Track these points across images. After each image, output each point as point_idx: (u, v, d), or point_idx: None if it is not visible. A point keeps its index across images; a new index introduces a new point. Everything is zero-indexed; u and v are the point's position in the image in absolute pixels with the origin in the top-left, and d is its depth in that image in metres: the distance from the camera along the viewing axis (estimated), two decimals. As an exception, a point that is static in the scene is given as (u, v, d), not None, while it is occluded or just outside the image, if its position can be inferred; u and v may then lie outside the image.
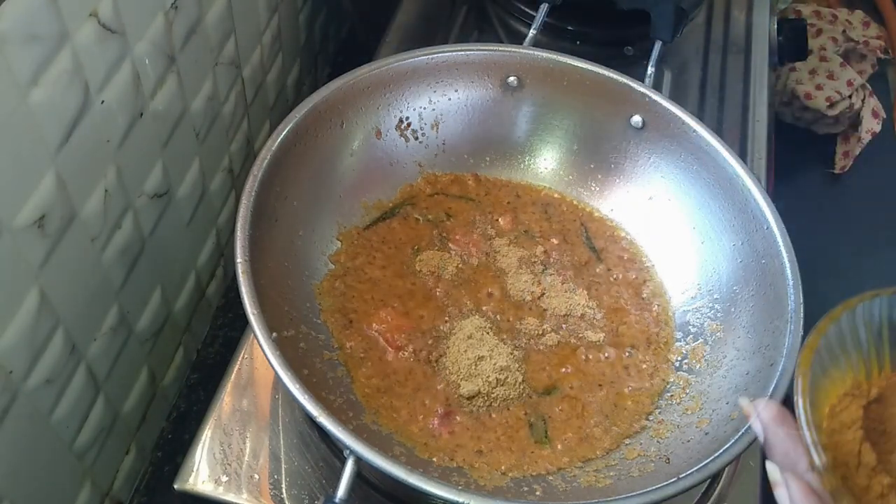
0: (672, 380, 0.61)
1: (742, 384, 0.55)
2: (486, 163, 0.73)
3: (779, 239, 0.59)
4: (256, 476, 0.57)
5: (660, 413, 0.59)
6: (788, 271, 0.57)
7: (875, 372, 0.39)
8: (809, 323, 0.53)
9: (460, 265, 0.66)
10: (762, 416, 0.39)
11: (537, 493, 0.54)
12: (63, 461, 0.58)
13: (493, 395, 0.58)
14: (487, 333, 0.61)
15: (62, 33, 0.47)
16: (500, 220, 0.70)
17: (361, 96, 0.66)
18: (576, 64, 0.69)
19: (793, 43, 0.94)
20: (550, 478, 0.55)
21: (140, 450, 0.70)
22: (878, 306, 0.39)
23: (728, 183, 0.63)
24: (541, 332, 0.62)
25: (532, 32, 0.74)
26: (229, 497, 0.57)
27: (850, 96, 1.17)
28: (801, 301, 0.55)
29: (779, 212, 0.60)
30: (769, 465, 0.37)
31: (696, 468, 0.48)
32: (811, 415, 0.35)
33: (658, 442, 0.56)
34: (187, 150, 0.67)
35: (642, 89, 0.67)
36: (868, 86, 1.20)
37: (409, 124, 0.70)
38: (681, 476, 0.47)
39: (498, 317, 0.63)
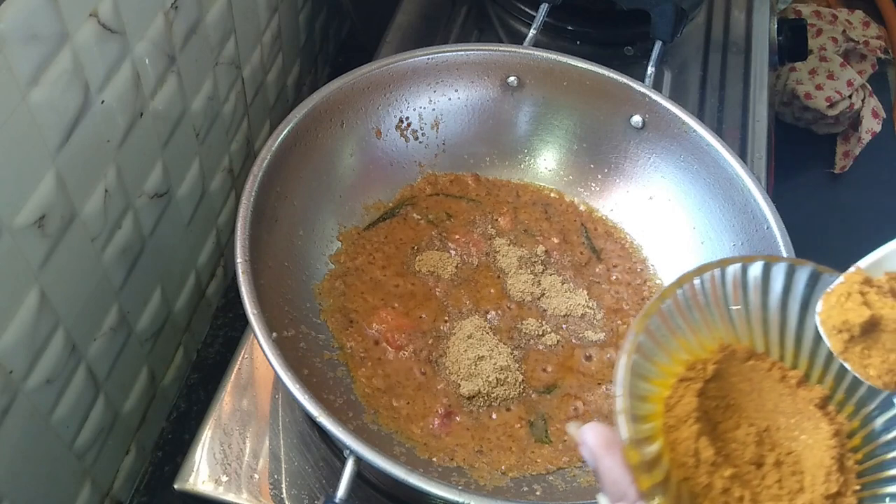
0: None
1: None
2: (486, 163, 0.73)
3: (779, 239, 0.58)
4: (256, 476, 0.57)
5: (660, 413, 0.59)
6: (788, 271, 0.57)
7: (707, 346, 0.37)
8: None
9: (460, 265, 0.66)
10: (590, 442, 0.34)
11: (537, 492, 0.54)
12: (63, 461, 0.58)
13: (493, 395, 0.58)
14: (487, 333, 0.61)
15: (62, 33, 0.47)
16: (500, 219, 0.70)
17: (361, 96, 0.66)
18: (576, 64, 0.69)
19: (793, 43, 0.94)
20: (550, 477, 0.55)
21: (140, 450, 0.70)
22: (725, 274, 0.37)
23: (728, 183, 0.63)
24: (541, 332, 0.62)
25: (532, 32, 0.74)
26: (229, 497, 0.57)
27: (850, 96, 1.17)
28: (801, 301, 0.55)
29: (779, 212, 0.60)
30: (600, 497, 0.34)
31: (696, 468, 0.48)
32: (630, 380, 0.33)
33: (658, 442, 0.56)
34: (187, 150, 0.67)
35: (642, 89, 0.67)
36: (868, 86, 1.20)
37: (409, 124, 0.70)
38: (681, 476, 0.47)
39: (498, 317, 0.63)
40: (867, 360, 0.35)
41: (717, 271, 0.37)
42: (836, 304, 0.36)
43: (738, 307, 0.37)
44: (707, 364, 0.36)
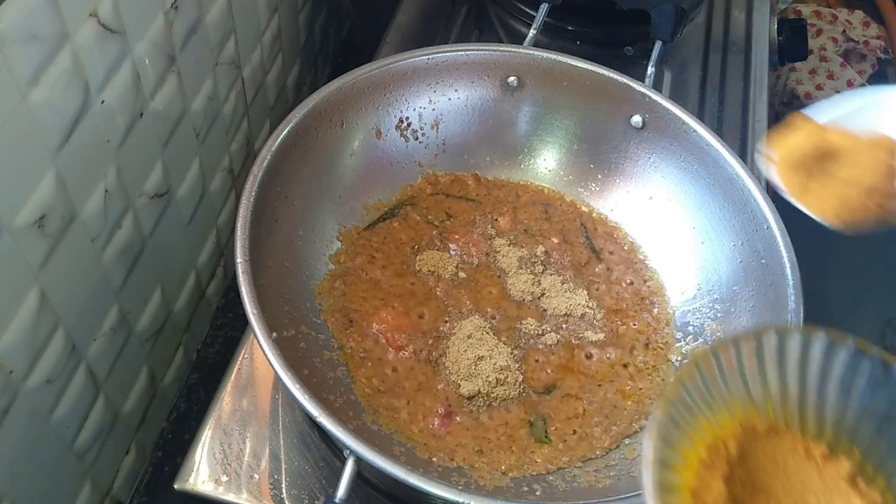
0: (672, 380, 0.61)
1: (742, 384, 0.55)
2: (486, 163, 0.73)
3: (779, 239, 0.59)
4: (256, 476, 0.57)
5: (660, 413, 0.59)
6: (788, 271, 0.57)
7: (727, 424, 0.36)
8: (809, 323, 0.53)
9: (460, 265, 0.66)
10: None
11: (537, 492, 0.54)
12: (63, 461, 0.58)
13: (493, 395, 0.58)
14: (487, 333, 0.61)
15: (62, 33, 0.47)
16: (500, 220, 0.70)
17: (361, 96, 0.66)
18: (576, 64, 0.69)
19: (793, 43, 0.94)
20: (550, 477, 0.55)
21: (140, 450, 0.70)
22: (742, 349, 0.36)
23: (728, 183, 0.63)
24: (541, 332, 0.62)
25: (532, 32, 0.74)
26: (229, 497, 0.57)
27: (849, 96, 1.17)
28: (802, 301, 0.55)
29: (779, 212, 0.60)
30: None
31: (696, 468, 0.48)
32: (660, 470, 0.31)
33: (658, 442, 0.56)
34: (187, 150, 0.67)
35: (642, 89, 0.67)
36: (868, 86, 1.20)
37: (409, 124, 0.70)
38: (681, 476, 0.47)
39: (498, 317, 0.63)
40: (824, 200, 0.33)
41: (732, 349, 0.36)
42: (789, 138, 0.33)
43: (756, 382, 0.36)
44: (729, 443, 0.35)
